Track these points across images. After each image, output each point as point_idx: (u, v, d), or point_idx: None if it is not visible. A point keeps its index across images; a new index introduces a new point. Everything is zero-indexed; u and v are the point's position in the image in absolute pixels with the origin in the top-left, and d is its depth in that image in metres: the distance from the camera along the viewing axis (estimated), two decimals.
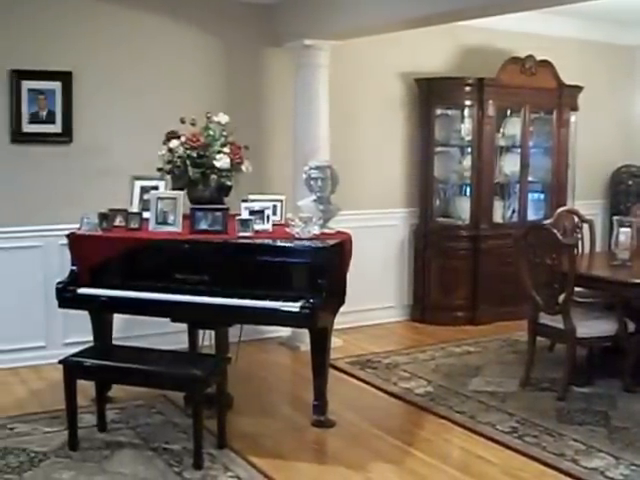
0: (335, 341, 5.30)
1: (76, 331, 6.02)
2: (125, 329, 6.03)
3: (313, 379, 5.12)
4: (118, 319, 5.65)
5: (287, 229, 5.10)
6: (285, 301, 4.70)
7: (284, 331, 6.96)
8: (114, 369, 4.72)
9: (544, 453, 4.74)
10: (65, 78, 6.33)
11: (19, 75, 6.21)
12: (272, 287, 4.81)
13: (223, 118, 5.51)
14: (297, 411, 5.45)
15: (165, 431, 5.02)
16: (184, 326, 5.32)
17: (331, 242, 4.97)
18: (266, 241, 4.97)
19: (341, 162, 5.85)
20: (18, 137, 6.26)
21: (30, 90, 6.26)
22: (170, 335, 5.77)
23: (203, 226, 5.07)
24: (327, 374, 5.15)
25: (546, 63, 7.94)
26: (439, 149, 7.89)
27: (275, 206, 5.48)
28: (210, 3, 6.81)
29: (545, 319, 5.79)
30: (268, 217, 5.21)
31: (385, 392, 5.83)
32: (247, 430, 5.05)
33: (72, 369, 4.72)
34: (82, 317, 5.38)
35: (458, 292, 7.79)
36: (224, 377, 4.79)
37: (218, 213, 5.07)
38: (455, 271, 7.76)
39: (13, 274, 6.27)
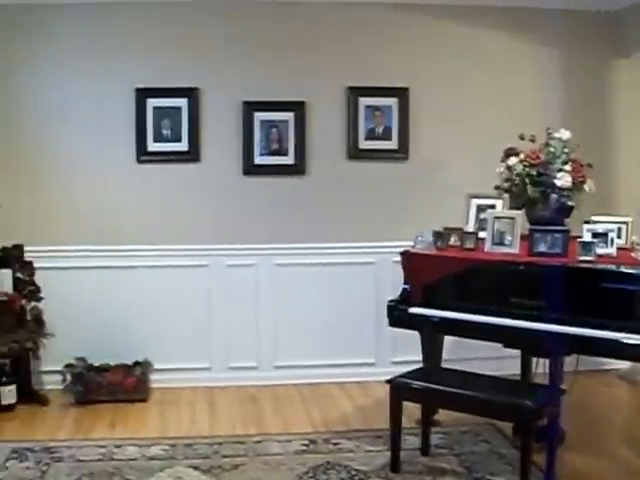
0: None
1: (404, 350, 6.04)
2: (454, 351, 5.86)
3: None
4: (447, 340, 5.54)
5: (633, 254, 4.74)
6: (629, 332, 4.32)
7: (623, 363, 6.46)
8: (441, 393, 4.60)
9: None
10: (402, 94, 6.40)
11: (356, 92, 6.35)
12: (614, 316, 4.44)
13: (565, 134, 5.23)
14: (636, 453, 5.01)
15: (490, 461, 4.83)
16: (516, 352, 5.10)
17: None
18: (609, 267, 4.63)
19: None
20: (356, 153, 6.42)
21: (367, 107, 6.40)
22: (501, 360, 5.53)
23: (541, 248, 4.81)
24: None
25: None
26: None
27: (620, 229, 5.13)
28: (548, 13, 6.55)
29: None
30: (612, 240, 4.86)
31: None
32: (578, 468, 4.72)
33: (399, 390, 4.68)
34: (411, 336, 5.32)
35: None
36: (558, 409, 4.50)
37: (558, 235, 4.80)
38: None
39: (346, 289, 6.44)
